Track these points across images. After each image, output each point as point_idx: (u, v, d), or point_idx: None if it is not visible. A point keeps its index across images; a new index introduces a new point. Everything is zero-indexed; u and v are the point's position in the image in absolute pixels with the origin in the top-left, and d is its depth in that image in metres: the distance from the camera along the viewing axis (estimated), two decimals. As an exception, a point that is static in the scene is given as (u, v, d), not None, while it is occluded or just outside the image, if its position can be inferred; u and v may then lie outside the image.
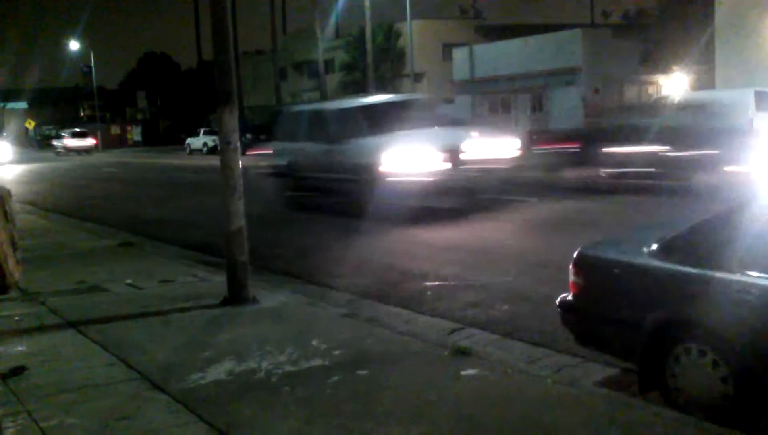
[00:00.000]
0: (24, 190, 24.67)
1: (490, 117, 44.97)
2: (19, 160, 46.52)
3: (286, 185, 16.08)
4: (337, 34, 57.84)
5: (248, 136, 47.45)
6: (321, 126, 15.05)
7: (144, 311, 7.18)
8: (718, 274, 4.14)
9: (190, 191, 22.73)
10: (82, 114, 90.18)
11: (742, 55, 29.11)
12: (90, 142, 60.17)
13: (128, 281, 8.59)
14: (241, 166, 7.42)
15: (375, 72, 46.12)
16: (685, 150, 14.17)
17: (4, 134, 50.55)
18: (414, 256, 9.93)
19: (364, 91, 46.39)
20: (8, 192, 2.83)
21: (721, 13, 29.98)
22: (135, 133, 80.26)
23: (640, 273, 4.66)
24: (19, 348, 6.05)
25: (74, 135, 60.54)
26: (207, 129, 53.51)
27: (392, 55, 50.83)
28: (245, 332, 6.34)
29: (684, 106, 15.80)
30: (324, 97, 50.70)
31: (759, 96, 15.25)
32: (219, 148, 7.62)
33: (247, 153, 34.55)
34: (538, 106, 42.69)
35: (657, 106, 17.98)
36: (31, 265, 9.30)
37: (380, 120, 14.17)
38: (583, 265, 5.00)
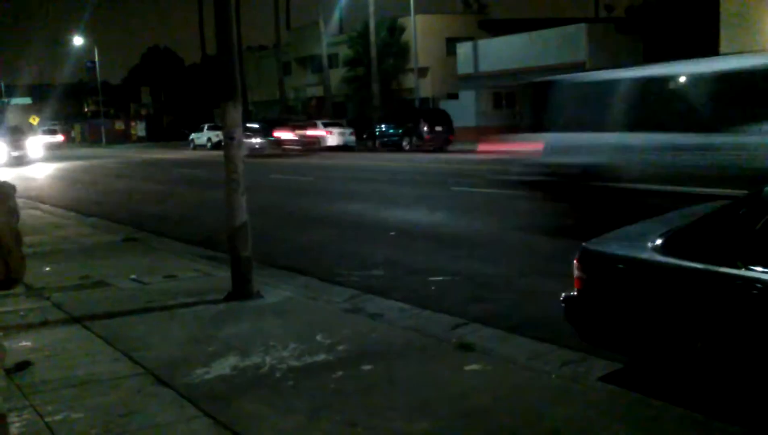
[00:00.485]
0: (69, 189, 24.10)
1: (494, 112, 45.00)
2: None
3: (585, 202, 9.97)
4: (341, 29, 57.82)
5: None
6: (684, 103, 9.24)
7: (148, 306, 7.20)
8: (722, 269, 4.14)
9: (194, 186, 22.73)
10: (86, 109, 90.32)
11: (746, 48, 29.03)
12: (59, 138, 65.66)
13: (132, 276, 8.61)
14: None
15: (379, 67, 46.11)
16: None
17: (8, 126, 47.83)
18: None
19: (368, 86, 46.45)
20: (12, 187, 2.84)
21: (725, 6, 29.89)
22: (139, 129, 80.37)
23: (644, 268, 4.65)
24: (24, 343, 6.07)
25: (44, 132, 64.32)
26: (211, 124, 53.53)
27: (396, 50, 50.79)
28: (249, 327, 6.35)
29: None
30: (328, 93, 50.76)
31: None
32: (222, 144, 7.63)
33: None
34: (542, 100, 42.52)
35: None
36: (35, 260, 9.33)
37: None
38: (586, 260, 5.00)
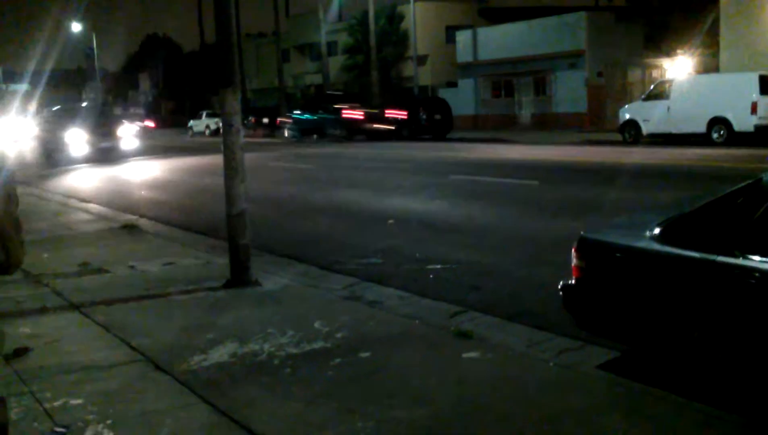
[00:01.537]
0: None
1: (493, 100, 44.90)
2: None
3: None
4: (340, 17, 57.64)
5: (251, 118, 47.42)
6: None
7: (147, 293, 7.20)
8: (719, 258, 4.14)
9: (193, 174, 22.67)
10: (84, 96, 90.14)
11: (746, 38, 29.00)
12: None
13: (131, 263, 8.62)
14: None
15: (378, 55, 46.01)
16: None
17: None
18: None
19: (368, 74, 46.36)
20: (12, 172, 2.83)
21: (725, -5, 29.81)
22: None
23: (642, 257, 4.66)
24: (23, 329, 6.07)
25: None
26: (209, 112, 53.50)
27: (395, 37, 50.69)
28: (247, 315, 6.36)
29: None
30: (327, 81, 50.66)
31: None
32: (221, 131, 7.62)
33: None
34: (541, 89, 42.59)
35: None
36: (34, 246, 9.33)
37: None
38: (584, 249, 5.01)
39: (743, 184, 4.56)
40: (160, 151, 32.61)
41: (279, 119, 45.01)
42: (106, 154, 27.00)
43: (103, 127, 27.97)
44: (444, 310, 6.61)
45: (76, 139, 26.95)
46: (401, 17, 50.18)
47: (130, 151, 28.08)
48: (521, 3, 52.75)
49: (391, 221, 11.51)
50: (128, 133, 28.76)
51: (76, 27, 72.26)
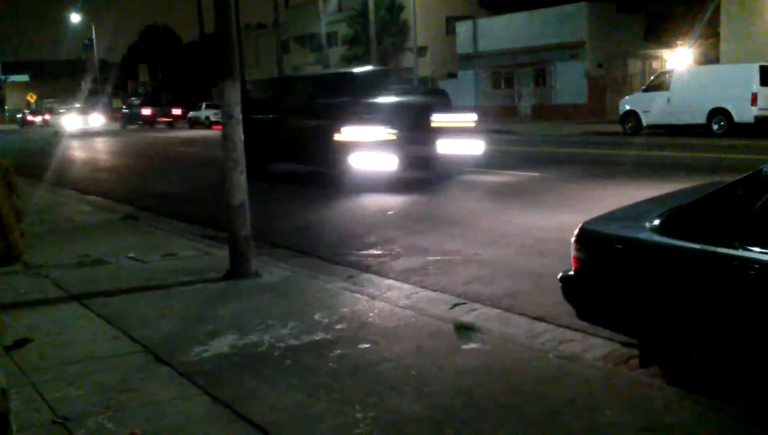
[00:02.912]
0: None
1: (493, 92, 44.81)
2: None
3: None
4: (340, 8, 57.51)
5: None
6: None
7: (147, 285, 7.21)
8: (719, 250, 4.15)
9: (193, 165, 22.67)
10: (83, 87, 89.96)
11: (747, 29, 28.97)
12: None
13: (131, 255, 8.61)
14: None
15: (378, 46, 45.87)
16: None
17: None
18: None
19: (367, 65, 46.22)
20: (11, 164, 2.83)
21: (726, -14, 29.77)
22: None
23: (641, 248, 4.66)
24: (23, 321, 6.08)
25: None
26: (209, 102, 53.36)
27: (395, 28, 50.54)
28: (248, 306, 6.37)
29: None
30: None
31: None
32: (221, 122, 7.61)
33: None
34: (541, 80, 42.54)
35: None
36: (34, 238, 9.33)
37: None
38: (584, 240, 5.01)
39: (743, 175, 4.56)
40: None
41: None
42: (420, 171, 15.18)
43: (416, 120, 14.65)
44: (444, 301, 6.63)
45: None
46: (401, 8, 50.02)
47: (469, 162, 15.97)
48: (522, -7, 52.56)
49: (390, 212, 11.51)
50: (467, 124, 15.81)
51: (75, 18, 72.22)
